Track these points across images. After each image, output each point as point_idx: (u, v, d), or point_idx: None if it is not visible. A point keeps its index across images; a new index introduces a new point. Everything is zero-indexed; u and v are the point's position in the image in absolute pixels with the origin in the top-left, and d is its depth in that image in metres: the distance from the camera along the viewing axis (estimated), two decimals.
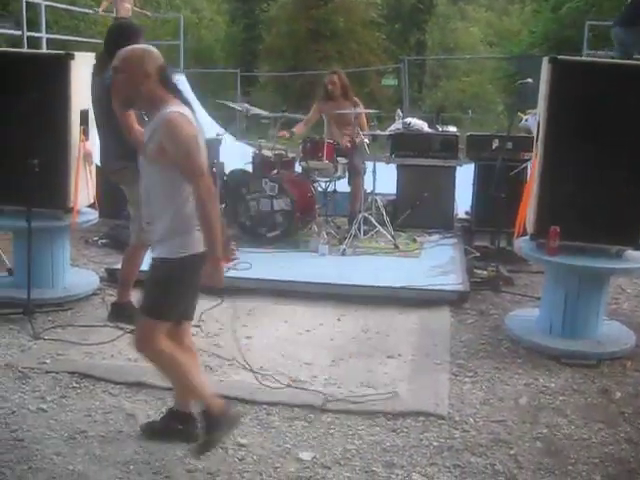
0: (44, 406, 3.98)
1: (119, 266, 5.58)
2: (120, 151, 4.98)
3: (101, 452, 3.54)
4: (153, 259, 3.43)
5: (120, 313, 5.25)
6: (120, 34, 5.11)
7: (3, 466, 3.38)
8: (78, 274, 6.08)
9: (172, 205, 3.30)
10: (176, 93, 3.35)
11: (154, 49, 3.40)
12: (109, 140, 5.08)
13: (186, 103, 3.35)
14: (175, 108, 3.25)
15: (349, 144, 7.64)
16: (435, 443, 3.70)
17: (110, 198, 6.29)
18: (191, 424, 3.62)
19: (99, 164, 5.80)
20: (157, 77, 3.29)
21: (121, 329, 5.05)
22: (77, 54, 5.49)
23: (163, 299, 3.36)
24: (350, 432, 3.78)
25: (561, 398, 4.23)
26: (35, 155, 5.10)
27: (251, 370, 4.40)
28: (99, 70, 5.11)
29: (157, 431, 3.69)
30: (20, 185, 5.13)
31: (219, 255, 3.26)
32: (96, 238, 7.42)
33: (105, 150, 5.18)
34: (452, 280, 6.02)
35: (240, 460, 3.50)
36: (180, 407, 3.68)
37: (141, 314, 3.43)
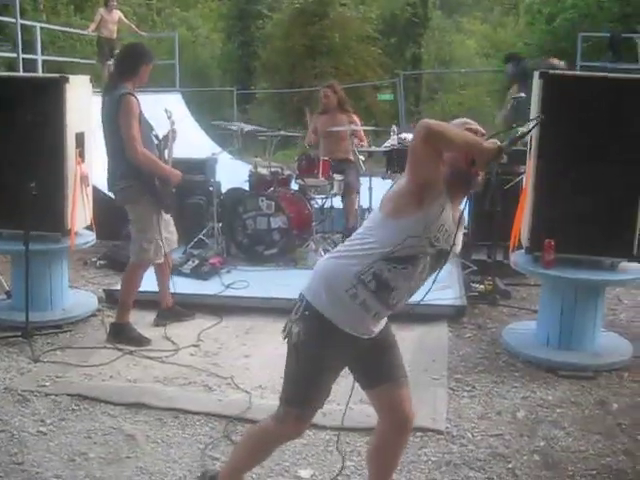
0: (44, 429, 3.99)
1: (118, 287, 5.62)
2: (125, 170, 5.05)
3: (101, 474, 3.55)
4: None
5: (119, 334, 5.26)
6: (133, 55, 5.23)
7: None
8: (77, 296, 6.10)
9: None
10: None
11: None
12: (115, 159, 5.14)
13: None
14: None
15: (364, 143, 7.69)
16: (433, 458, 3.71)
17: (107, 219, 6.32)
18: None
19: (96, 186, 5.85)
20: None
21: (120, 350, 5.07)
22: (72, 77, 5.54)
23: None
24: (349, 449, 3.79)
25: (558, 410, 4.24)
26: (32, 178, 5.13)
27: (248, 390, 4.42)
28: (108, 90, 5.18)
29: None
30: (17, 208, 5.15)
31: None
32: (94, 259, 7.44)
33: (111, 169, 5.22)
34: (449, 294, 6.03)
35: None
36: None
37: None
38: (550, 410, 4.24)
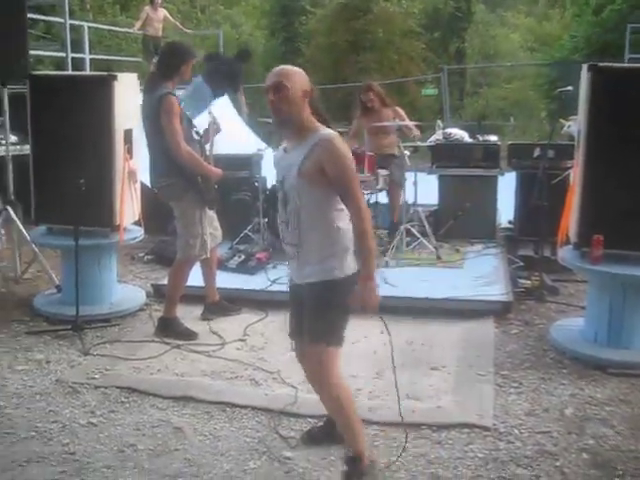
0: (94, 420, 4.07)
1: (165, 282, 5.68)
2: (168, 168, 5.11)
3: (150, 465, 3.60)
4: (308, 284, 3.33)
5: (167, 328, 5.33)
6: (173, 55, 5.29)
7: (57, 478, 3.48)
8: (125, 290, 6.19)
9: (325, 224, 3.26)
10: (321, 116, 3.34)
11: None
12: (157, 157, 5.20)
13: (329, 127, 3.31)
14: (327, 129, 3.25)
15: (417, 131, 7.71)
16: (480, 455, 3.69)
17: (155, 214, 6.40)
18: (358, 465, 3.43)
19: (144, 182, 5.92)
20: (310, 98, 3.28)
21: (167, 344, 5.14)
22: (120, 75, 5.63)
23: (332, 324, 3.32)
24: (395, 444, 3.79)
25: (607, 409, 4.18)
26: (82, 175, 5.22)
27: (294, 384, 4.44)
28: (149, 89, 5.24)
29: None
30: (68, 204, 5.25)
31: (372, 274, 3.19)
32: (142, 254, 7.54)
33: (153, 167, 5.30)
34: (496, 290, 6.00)
35: (286, 473, 3.54)
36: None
37: (311, 343, 3.33)
38: (599, 408, 4.19)
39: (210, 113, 5.63)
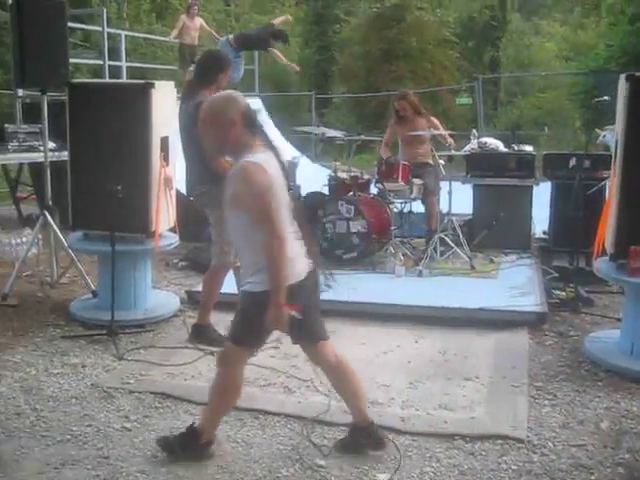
0: (128, 425, 4.10)
1: (199, 288, 5.71)
2: (204, 175, 5.14)
3: (184, 472, 3.61)
4: (241, 291, 3.66)
5: (200, 335, 5.36)
6: (211, 63, 5.35)
7: None
8: (159, 296, 6.24)
9: (250, 245, 3.46)
10: (261, 136, 3.47)
11: (237, 94, 3.54)
12: (194, 164, 5.24)
13: (271, 146, 3.48)
14: (254, 157, 3.35)
15: (451, 139, 7.69)
16: (514, 467, 3.66)
17: (190, 221, 6.45)
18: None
19: (179, 189, 5.97)
20: (242, 122, 3.40)
21: (201, 350, 5.16)
22: (157, 83, 5.68)
23: (242, 328, 3.63)
24: (428, 454, 3.78)
25: None
26: (118, 181, 5.27)
27: (327, 392, 4.44)
28: (187, 96, 5.29)
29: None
30: (104, 211, 5.31)
31: (281, 299, 3.36)
32: (176, 260, 7.59)
33: (190, 174, 5.34)
34: (530, 301, 5.96)
35: None
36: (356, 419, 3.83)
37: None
38: (635, 421, 4.14)
39: None
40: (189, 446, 3.71)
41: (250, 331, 3.59)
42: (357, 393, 3.80)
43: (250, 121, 3.43)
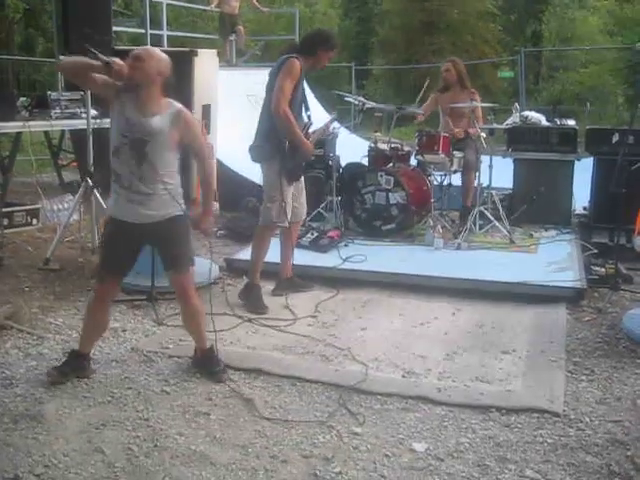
0: (167, 389, 4.16)
1: (238, 256, 5.77)
2: (265, 129, 5.31)
3: (221, 435, 3.67)
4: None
5: (250, 294, 5.51)
6: (317, 37, 5.50)
7: (131, 442, 3.57)
8: (198, 263, 6.23)
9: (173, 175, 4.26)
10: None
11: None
12: (263, 117, 5.39)
13: None
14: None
15: (462, 134, 7.59)
16: (549, 440, 3.66)
17: (228, 191, 6.48)
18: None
19: (220, 159, 6.01)
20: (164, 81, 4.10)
21: (240, 317, 5.22)
22: (200, 51, 5.67)
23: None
24: (463, 426, 3.79)
25: None
26: None
27: (364, 362, 4.48)
28: (280, 55, 5.40)
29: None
30: None
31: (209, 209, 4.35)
32: (215, 229, 7.64)
33: (258, 127, 5.45)
34: (569, 277, 5.92)
35: (354, 448, 3.56)
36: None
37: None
38: None
39: (333, 114, 6.35)
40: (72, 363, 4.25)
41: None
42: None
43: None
